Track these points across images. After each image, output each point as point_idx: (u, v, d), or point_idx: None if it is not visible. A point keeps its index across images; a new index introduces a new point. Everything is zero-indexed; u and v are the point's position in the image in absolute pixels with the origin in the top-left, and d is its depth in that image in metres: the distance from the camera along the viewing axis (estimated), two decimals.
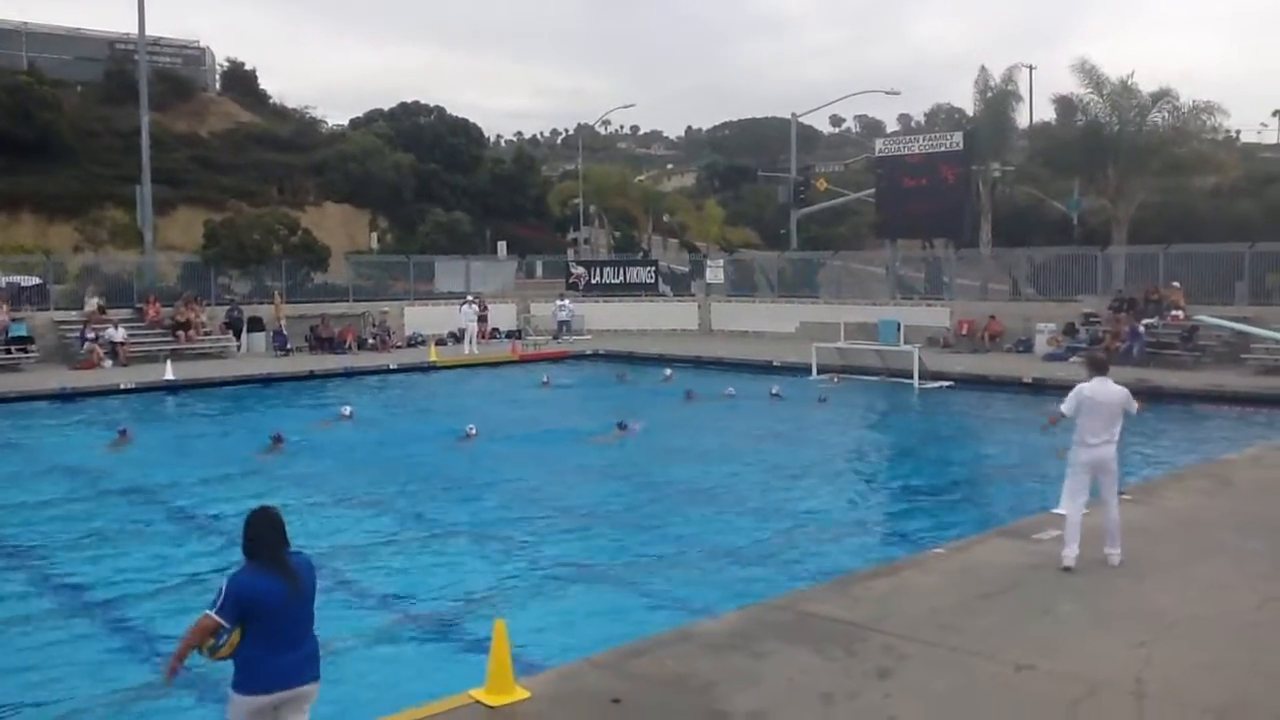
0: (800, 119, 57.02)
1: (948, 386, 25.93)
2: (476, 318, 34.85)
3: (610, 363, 32.80)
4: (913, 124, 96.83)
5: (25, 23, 64.47)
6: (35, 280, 33.67)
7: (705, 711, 6.36)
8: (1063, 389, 10.63)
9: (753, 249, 60.62)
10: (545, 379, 27.00)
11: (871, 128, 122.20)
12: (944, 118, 51.39)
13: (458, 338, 36.12)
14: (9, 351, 28.60)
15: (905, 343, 27.61)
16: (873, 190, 43.31)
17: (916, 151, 38.06)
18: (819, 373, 27.68)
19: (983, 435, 20.89)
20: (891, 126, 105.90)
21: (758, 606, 8.55)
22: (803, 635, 7.63)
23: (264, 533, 5.62)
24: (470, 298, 36.03)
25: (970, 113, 44.21)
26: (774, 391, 24.08)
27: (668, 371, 28.77)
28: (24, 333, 29.20)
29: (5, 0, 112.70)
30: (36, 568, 11.65)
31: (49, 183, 50.54)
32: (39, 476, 16.68)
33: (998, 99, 41.34)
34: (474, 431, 19.15)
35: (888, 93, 53.93)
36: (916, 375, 26.07)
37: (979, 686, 6.77)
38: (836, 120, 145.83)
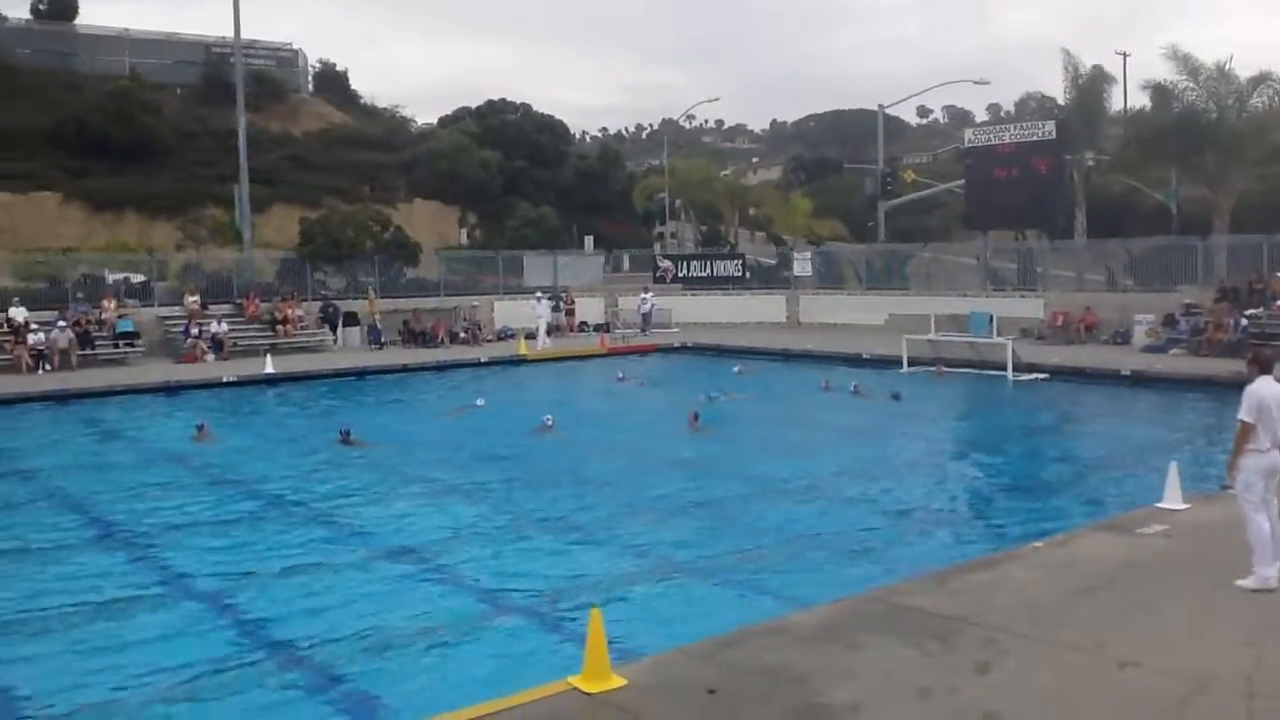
0: (887, 110, 56.38)
1: (1043, 379, 25.44)
2: (549, 313, 34.91)
3: (697, 356, 32.82)
4: (1002, 113, 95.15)
5: (126, 29, 66.54)
6: (141, 277, 34.83)
7: (801, 704, 6.35)
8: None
9: (840, 241, 60.11)
10: (620, 374, 26.99)
11: (960, 118, 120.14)
12: (1034, 106, 50.30)
13: (546, 331, 36.47)
14: (117, 346, 29.65)
15: (998, 334, 27.14)
16: (962, 181, 42.60)
17: (1007, 141, 37.32)
18: (910, 365, 27.37)
19: (1081, 428, 20.44)
20: (980, 116, 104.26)
21: (851, 599, 8.51)
22: (898, 628, 7.58)
23: None
24: (540, 294, 36.15)
25: (1061, 101, 43.23)
26: (854, 388, 23.84)
27: (737, 368, 28.62)
28: (131, 328, 30.23)
29: (107, 7, 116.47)
30: (140, 549, 12.07)
31: (151, 183, 52.17)
32: (144, 465, 17.29)
33: (1089, 86, 40.40)
34: (551, 422, 19.30)
35: (976, 82, 52.55)
36: (1010, 367, 25.64)
37: (1081, 682, 6.65)
38: (924, 111, 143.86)
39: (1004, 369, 25.70)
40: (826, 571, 10.79)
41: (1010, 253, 42.08)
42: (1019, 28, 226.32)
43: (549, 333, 34.78)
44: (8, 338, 28.04)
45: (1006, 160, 36.78)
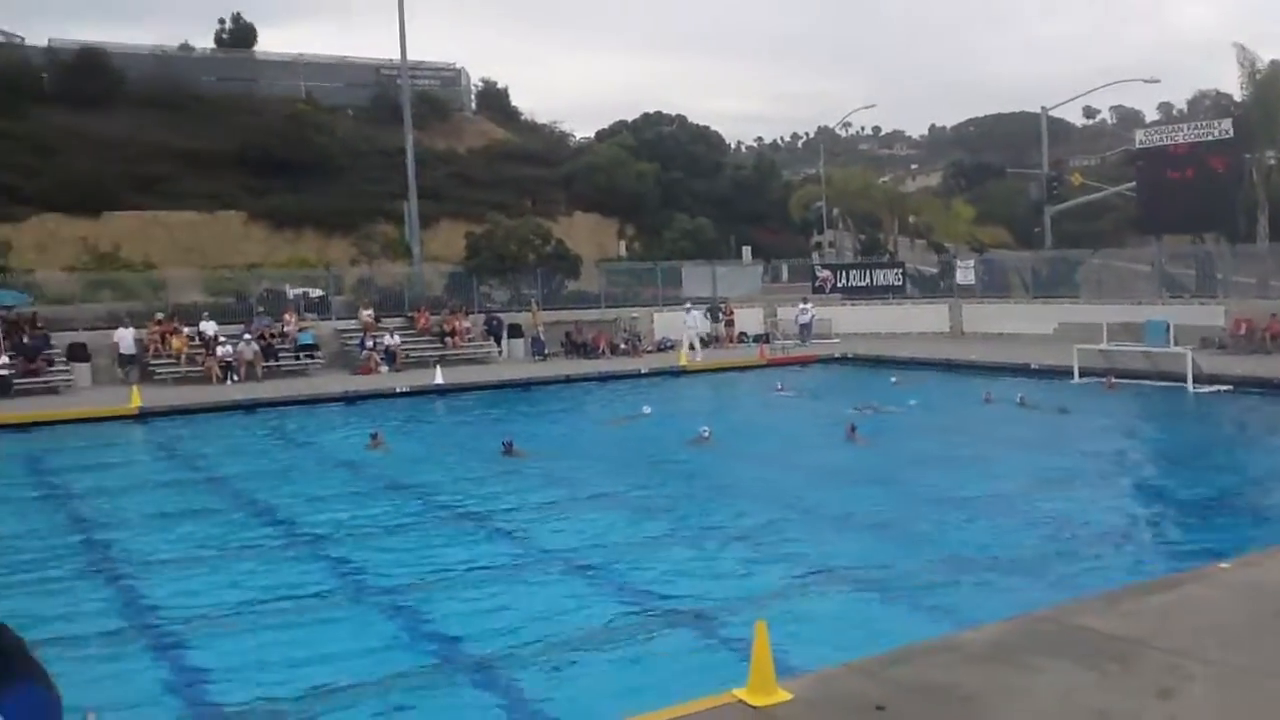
0: (1051, 112, 54.68)
1: (1226, 390, 24.25)
2: (700, 324, 34.87)
3: (858, 366, 32.49)
4: (1174, 112, 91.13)
5: (301, 54, 69.83)
6: (319, 292, 36.52)
7: None
8: None
9: (1004, 248, 58.55)
10: (779, 385, 26.81)
11: (1129, 118, 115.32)
12: (1209, 104, 48.14)
13: (704, 342, 36.69)
14: (298, 358, 31.17)
15: (1175, 343, 26.02)
16: (1133, 184, 40.99)
17: (1181, 141, 35.75)
18: (1081, 375, 26.50)
19: (1269, 443, 19.40)
20: (1151, 116, 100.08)
21: (1023, 618, 8.33)
22: (1073, 649, 7.40)
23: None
24: (689, 304, 36.12)
25: (1237, 98, 41.14)
26: (1019, 400, 23.20)
27: (893, 379, 28.18)
28: (311, 340, 31.74)
29: (284, 34, 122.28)
30: (320, 552, 12.67)
31: (326, 201, 54.62)
32: (323, 472, 18.17)
33: (1267, 81, 38.34)
34: (707, 434, 19.33)
35: (1146, 81, 50.62)
36: (1190, 378, 24.54)
37: (1276, 711, 6.39)
38: (1090, 112, 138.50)
39: (1183, 380, 24.60)
40: (995, 589, 10.57)
41: (1187, 258, 40.23)
42: (1189, 23, 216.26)
43: (703, 344, 35.04)
44: (199, 350, 29.80)
45: (1181, 161, 35.25)
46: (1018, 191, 66.34)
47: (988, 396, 24.07)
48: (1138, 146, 39.10)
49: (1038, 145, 54.94)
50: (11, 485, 17.50)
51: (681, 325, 34.92)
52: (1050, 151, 54.83)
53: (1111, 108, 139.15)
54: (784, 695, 6.76)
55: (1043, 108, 53.15)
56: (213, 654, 9.28)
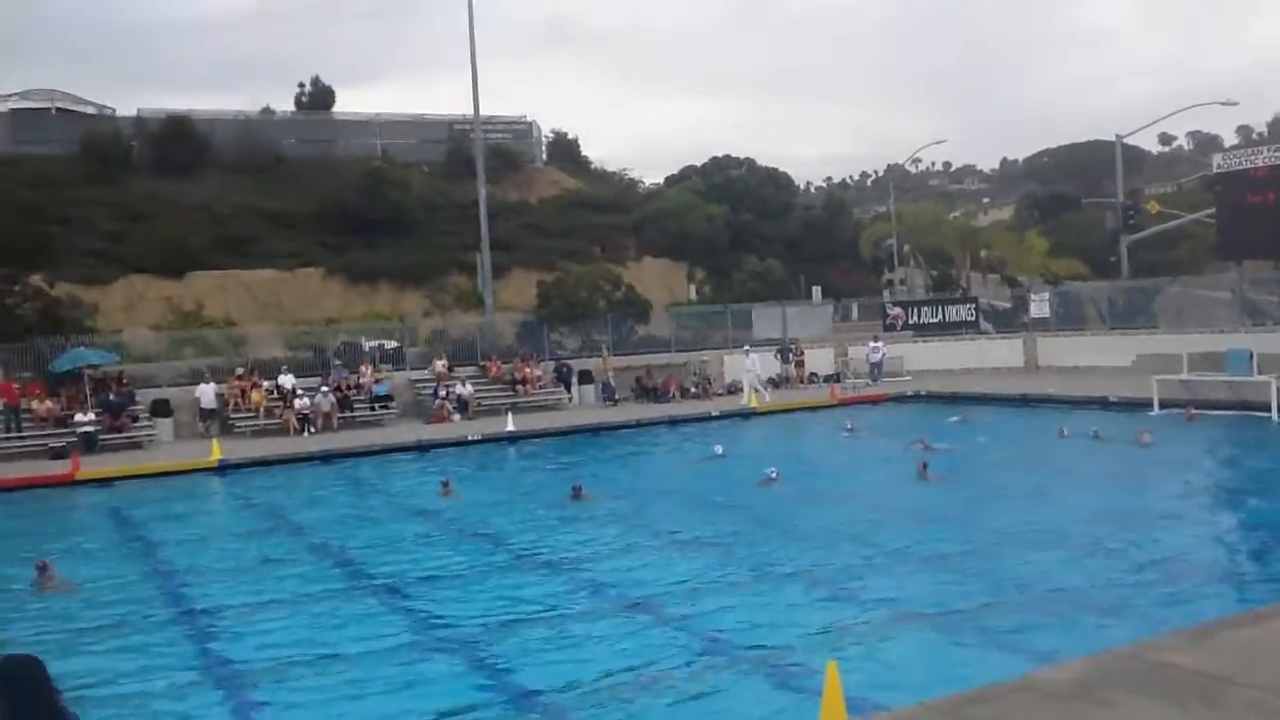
0: (1125, 140, 53.85)
1: None
2: (758, 366, 34.48)
3: (931, 404, 32.09)
4: (1254, 135, 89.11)
5: (378, 113, 71.44)
6: (394, 344, 37.16)
7: None
8: None
9: (1079, 279, 57.57)
10: (849, 425, 26.48)
11: (1206, 143, 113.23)
12: None
13: (776, 383, 36.59)
14: (373, 409, 31.68)
15: (1259, 372, 25.32)
16: (1211, 210, 40.14)
17: (1261, 165, 34.94)
18: (1161, 407, 25.88)
19: None
20: (1229, 140, 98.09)
21: (1103, 655, 8.11)
22: (1156, 686, 7.18)
23: (11, 692, 4.13)
24: (747, 347, 35.84)
25: None
26: (1094, 433, 22.71)
27: (955, 417, 27.77)
28: (386, 391, 32.25)
29: (361, 94, 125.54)
30: (391, 600, 12.81)
31: (401, 255, 55.58)
32: (397, 519, 18.40)
33: None
34: (775, 475, 19.23)
35: (1223, 104, 49.53)
36: (1275, 408, 23.84)
37: None
38: (1166, 138, 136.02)
39: (1267, 410, 23.91)
40: (1073, 625, 10.32)
41: (1270, 284, 39.20)
42: (1268, 44, 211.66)
43: (773, 385, 34.78)
44: (277, 403, 30.43)
45: (1262, 185, 34.45)
46: (1093, 222, 65.30)
47: (1062, 431, 23.63)
48: (1216, 171, 38.30)
49: (1112, 174, 54.06)
50: (97, 537, 17.98)
51: (740, 367, 34.74)
52: (1126, 180, 53.92)
53: (1188, 133, 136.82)
54: None
55: (1117, 135, 52.38)
56: (289, 701, 9.40)
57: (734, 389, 36.14)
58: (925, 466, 19.20)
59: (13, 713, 4.03)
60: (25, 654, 4.41)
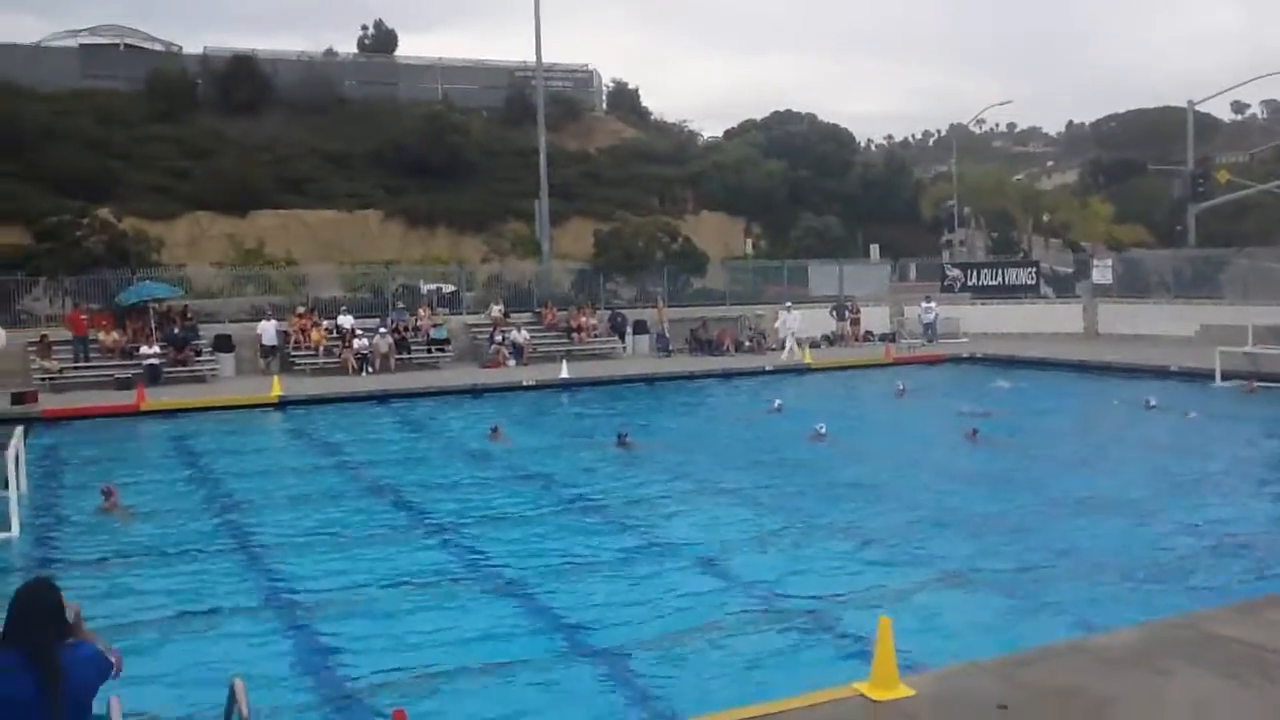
0: (1197, 106, 52.54)
1: None
2: (798, 324, 34.09)
3: (987, 366, 31.81)
4: None
5: (440, 58, 71.38)
6: (451, 288, 37.40)
7: None
8: None
9: (1143, 247, 56.53)
10: (901, 385, 26.16)
11: None
12: None
13: (830, 340, 36.44)
14: (430, 351, 31.99)
15: None
16: None
17: None
18: (1224, 379, 25.47)
19: None
20: None
21: (1157, 624, 8.11)
22: (1210, 657, 7.17)
23: (30, 613, 4.37)
24: (789, 304, 35.43)
25: None
26: (1150, 403, 22.42)
27: (1003, 382, 27.51)
28: (443, 335, 32.53)
29: (423, 39, 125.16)
30: (448, 539, 13.03)
31: (459, 200, 55.74)
32: (447, 461, 18.71)
33: None
34: (824, 431, 19.28)
35: None
36: None
37: None
38: (1239, 106, 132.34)
39: None
40: (1125, 593, 10.29)
41: None
42: None
43: (828, 342, 34.55)
44: (336, 342, 30.82)
45: None
46: (1159, 189, 64.01)
47: (1117, 401, 23.37)
48: None
49: (1181, 141, 52.90)
50: (160, 467, 18.42)
51: (782, 325, 34.51)
52: (1196, 148, 52.69)
53: (1263, 102, 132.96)
54: (906, 691, 6.73)
55: (1189, 101, 51.19)
56: (341, 631, 9.64)
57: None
58: (975, 431, 19.17)
59: (45, 631, 4.32)
60: (36, 578, 4.69)
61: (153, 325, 29.61)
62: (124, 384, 26.67)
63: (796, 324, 34.00)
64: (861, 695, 6.74)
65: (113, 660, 4.51)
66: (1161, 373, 27.47)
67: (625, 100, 77.48)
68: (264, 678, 8.18)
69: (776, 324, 34.80)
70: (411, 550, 12.50)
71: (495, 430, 20.31)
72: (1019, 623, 9.51)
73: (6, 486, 13.48)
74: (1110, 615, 9.12)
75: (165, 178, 51.80)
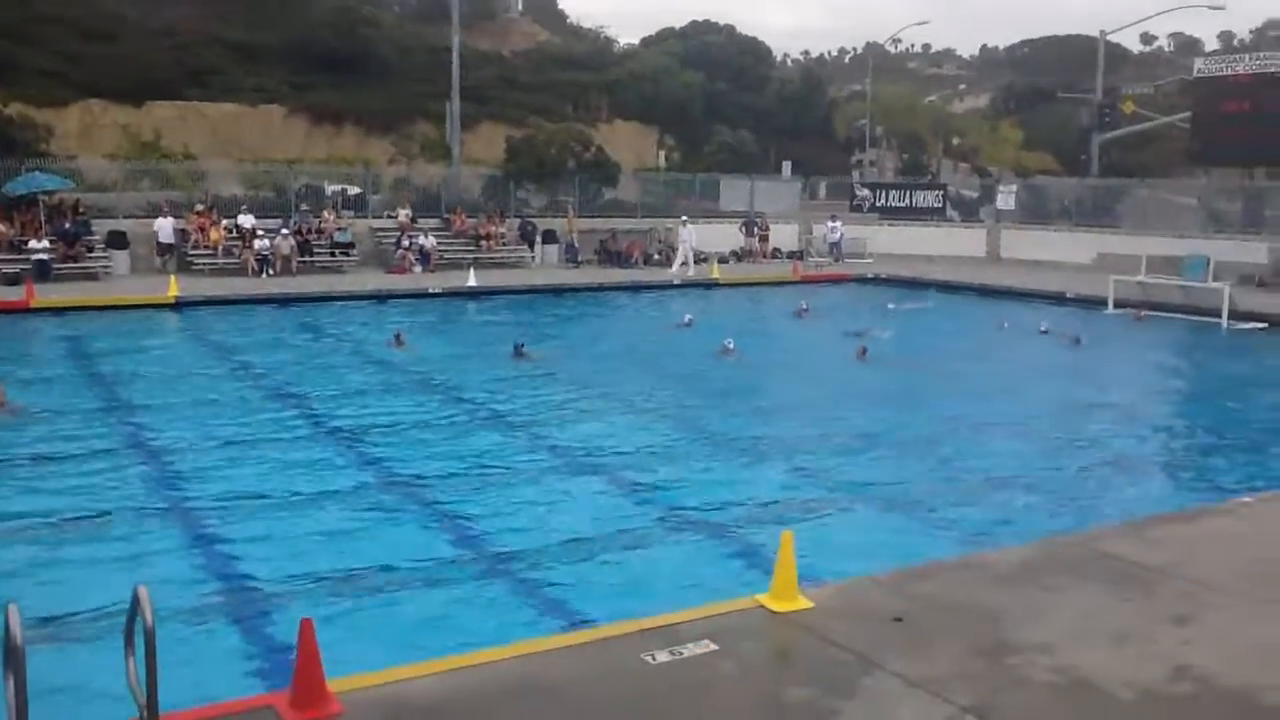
0: (1108, 36, 53.23)
1: (1260, 329, 24.00)
2: (693, 238, 33.81)
3: (891, 287, 32.30)
4: (1235, 42, 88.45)
5: None
6: (356, 190, 36.51)
7: (990, 640, 6.37)
8: None
9: (1050, 175, 57.60)
10: (804, 304, 26.19)
11: (1187, 46, 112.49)
12: (1276, 35, 46.64)
13: (739, 256, 36.62)
14: (334, 255, 31.29)
15: (1214, 279, 25.69)
16: (1187, 114, 40.09)
17: (1241, 72, 34.87)
18: (1116, 306, 26.26)
19: None
20: (1210, 45, 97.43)
21: (1048, 541, 8.42)
22: (1096, 573, 7.47)
23: None
24: (684, 218, 35.13)
25: None
26: (1043, 329, 22.99)
27: (890, 304, 28.09)
28: (347, 239, 31.81)
29: None
30: (352, 446, 12.93)
31: (368, 98, 54.33)
32: (349, 367, 18.45)
33: None
34: (731, 346, 19.49)
35: (1210, 7, 48.96)
36: (1225, 315, 24.28)
37: None
38: (1147, 38, 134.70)
39: (1217, 316, 24.36)
40: (1016, 512, 10.65)
41: (1235, 192, 39.41)
42: None
43: (736, 258, 34.58)
44: (235, 242, 29.96)
45: (1240, 92, 34.46)
46: (1068, 117, 64.99)
47: (1003, 324, 23.96)
48: (1195, 75, 38.15)
49: (1092, 70, 53.56)
50: (50, 366, 17.83)
51: (676, 238, 34.24)
52: (1105, 78, 53.49)
53: (1170, 34, 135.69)
54: (805, 603, 6.89)
55: (1101, 31, 51.77)
56: (237, 536, 9.54)
57: (698, 259, 35.98)
58: (865, 350, 19.65)
59: None
60: None
61: (42, 219, 28.38)
62: (11, 279, 25.65)
63: (693, 238, 33.85)
64: (762, 606, 6.89)
65: None
66: (1058, 298, 28.21)
67: (541, 1, 75.88)
68: (162, 585, 8.04)
69: (677, 239, 34.47)
70: (310, 457, 12.36)
71: (398, 337, 20.07)
72: (916, 539, 9.78)
73: None
74: (1004, 533, 9.43)
75: (58, 61, 49.34)
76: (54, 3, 52.47)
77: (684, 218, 34.89)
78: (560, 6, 78.35)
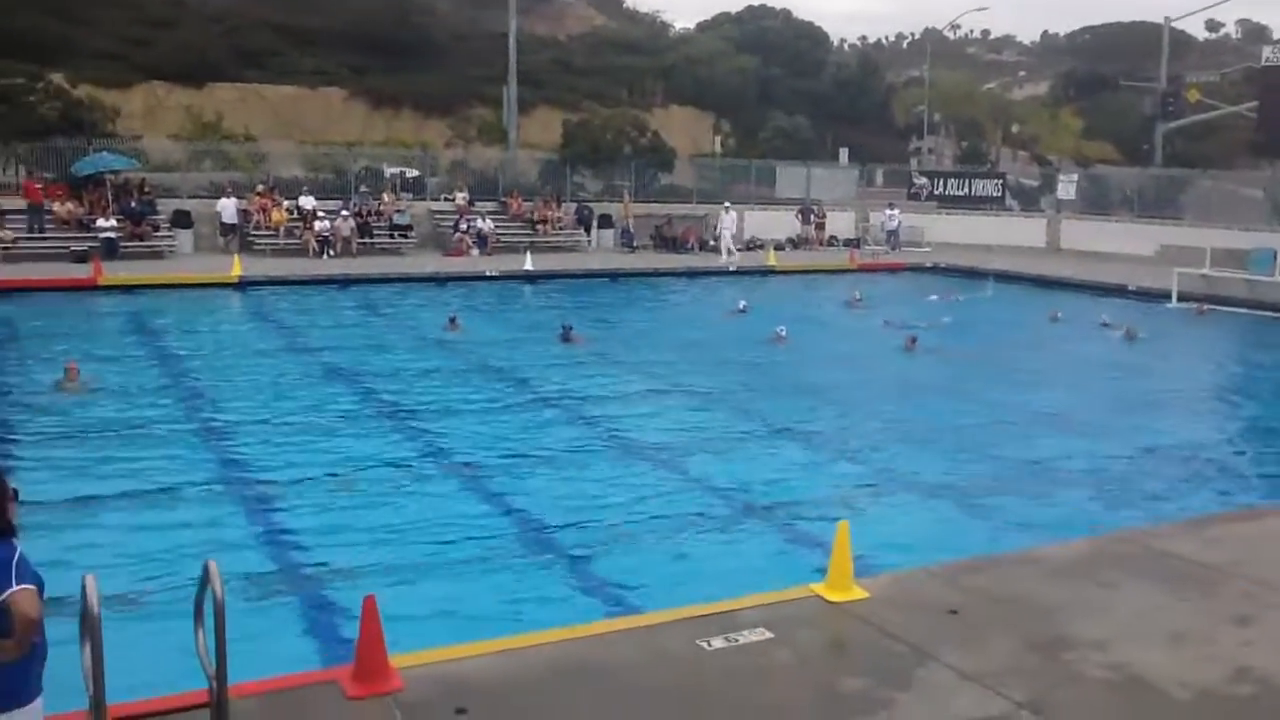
0: (1173, 23, 52.17)
1: None
2: (734, 225, 33.54)
3: (948, 276, 32.02)
4: None
5: None
6: (414, 173, 36.82)
7: (1045, 634, 6.39)
8: None
9: (1110, 164, 56.69)
10: (857, 294, 26.09)
11: (1255, 34, 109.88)
12: None
13: (795, 244, 36.48)
14: (392, 237, 31.62)
15: None
16: (1254, 104, 39.22)
17: None
18: (1179, 300, 25.85)
19: None
20: None
21: (1105, 538, 8.38)
22: (1154, 572, 7.44)
23: None
24: (727, 204, 34.68)
25: None
26: (1104, 321, 22.65)
27: (933, 295, 27.74)
28: (406, 221, 32.11)
29: None
30: (409, 426, 13.16)
31: (425, 82, 54.67)
32: (408, 348, 18.70)
33: None
34: (784, 333, 19.48)
35: None
36: None
37: None
38: (1214, 25, 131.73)
39: None
40: (1071, 507, 10.56)
41: None
42: None
43: (792, 245, 34.36)
44: (297, 223, 30.37)
45: None
46: (1130, 105, 63.90)
47: (1055, 315, 23.64)
48: (1263, 64, 37.31)
49: (1155, 57, 52.59)
50: (120, 343, 18.24)
51: (719, 224, 33.85)
52: (1169, 65, 52.49)
53: (1238, 21, 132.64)
54: (860, 593, 6.94)
55: (1165, 18, 50.72)
56: (299, 512, 9.78)
57: (753, 245, 35.89)
58: (914, 340, 19.46)
59: None
60: None
61: (109, 197, 28.97)
62: (80, 257, 26.20)
63: (734, 225, 33.68)
64: (818, 596, 6.95)
65: (12, 584, 3.93)
66: (1119, 291, 27.80)
67: None
68: (230, 560, 8.25)
69: (716, 226, 34.20)
70: (369, 438, 12.57)
71: (453, 320, 20.27)
72: (972, 532, 9.75)
73: None
74: (1061, 528, 9.36)
75: (121, 45, 50.29)
76: None
77: (726, 204, 34.68)
78: None
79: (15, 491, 4.25)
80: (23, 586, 3.95)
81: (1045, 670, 5.95)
